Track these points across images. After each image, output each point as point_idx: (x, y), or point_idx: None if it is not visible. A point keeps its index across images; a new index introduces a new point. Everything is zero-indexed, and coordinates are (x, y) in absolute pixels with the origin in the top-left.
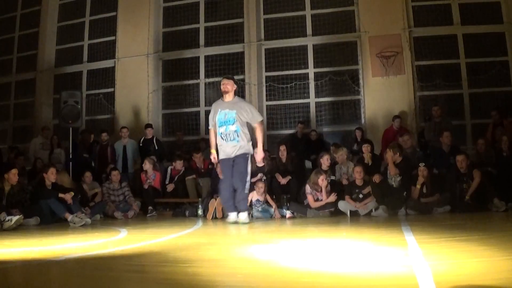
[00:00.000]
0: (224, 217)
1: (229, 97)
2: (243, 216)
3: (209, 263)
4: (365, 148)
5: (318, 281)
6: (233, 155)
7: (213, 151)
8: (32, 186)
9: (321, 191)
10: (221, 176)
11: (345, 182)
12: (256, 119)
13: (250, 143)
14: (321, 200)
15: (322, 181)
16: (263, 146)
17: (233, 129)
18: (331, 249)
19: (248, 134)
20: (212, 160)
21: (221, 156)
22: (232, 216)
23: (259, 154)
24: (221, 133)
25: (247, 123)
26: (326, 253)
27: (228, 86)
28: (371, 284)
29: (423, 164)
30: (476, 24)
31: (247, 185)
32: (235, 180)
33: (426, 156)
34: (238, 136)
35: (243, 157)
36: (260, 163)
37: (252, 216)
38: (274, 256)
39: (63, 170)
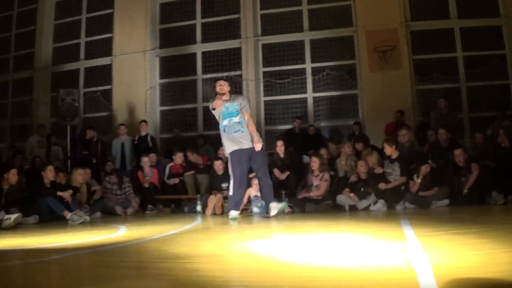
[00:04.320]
0: (223, 213)
1: (226, 96)
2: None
3: (207, 258)
4: (358, 146)
5: (317, 275)
6: (245, 146)
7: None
8: (30, 184)
9: (316, 175)
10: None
11: (353, 178)
12: (246, 111)
13: None
14: (316, 186)
15: (314, 162)
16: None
17: (236, 120)
18: (330, 243)
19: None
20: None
21: (232, 148)
22: (235, 213)
23: (257, 144)
24: (225, 126)
25: None
26: (324, 247)
27: (224, 87)
28: (370, 277)
29: (431, 162)
30: (473, 18)
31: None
32: (261, 171)
33: (426, 150)
34: (242, 127)
35: (261, 150)
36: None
37: (251, 212)
38: (273, 251)
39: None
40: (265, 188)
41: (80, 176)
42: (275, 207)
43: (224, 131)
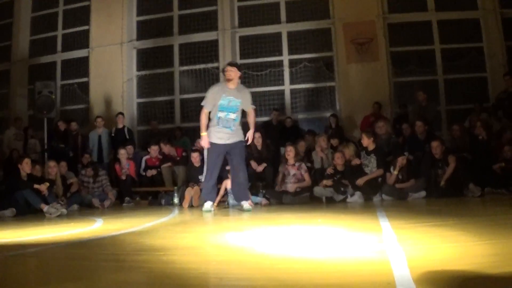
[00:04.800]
0: (200, 205)
1: (233, 84)
2: (246, 204)
3: (183, 251)
4: (333, 142)
5: (292, 267)
6: (228, 142)
7: (205, 134)
8: (9, 177)
9: (291, 164)
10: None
11: (330, 170)
12: (250, 106)
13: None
14: (293, 175)
15: (289, 152)
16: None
17: (232, 117)
18: (306, 235)
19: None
20: (204, 144)
21: (213, 140)
22: (208, 205)
23: (252, 136)
24: (219, 117)
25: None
26: (301, 239)
27: (232, 73)
28: (345, 269)
29: (407, 153)
30: (451, 10)
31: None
32: (241, 167)
33: (402, 143)
34: (233, 125)
35: (241, 144)
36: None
37: (228, 204)
38: (249, 243)
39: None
40: (239, 187)
41: (51, 169)
42: (247, 208)
43: (218, 123)
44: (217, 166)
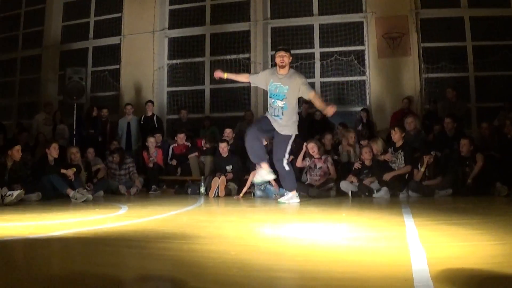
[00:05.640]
0: (226, 195)
1: (284, 71)
2: (287, 196)
3: (205, 240)
4: (363, 142)
5: (312, 259)
6: (276, 129)
7: (226, 74)
8: (34, 161)
9: (317, 158)
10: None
11: (357, 165)
12: (307, 94)
13: (296, 123)
14: (319, 168)
15: (312, 148)
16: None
17: (280, 105)
18: (329, 228)
19: (296, 114)
20: (216, 74)
21: (267, 115)
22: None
23: (329, 109)
24: (269, 104)
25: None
26: (323, 232)
27: (285, 58)
28: (365, 263)
29: (434, 152)
30: (484, 7)
31: (285, 162)
32: (278, 163)
33: (432, 140)
34: (282, 114)
35: (285, 138)
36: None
37: (254, 196)
38: (271, 234)
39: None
40: (280, 177)
41: (73, 155)
42: (285, 199)
43: (268, 110)
44: (258, 125)
